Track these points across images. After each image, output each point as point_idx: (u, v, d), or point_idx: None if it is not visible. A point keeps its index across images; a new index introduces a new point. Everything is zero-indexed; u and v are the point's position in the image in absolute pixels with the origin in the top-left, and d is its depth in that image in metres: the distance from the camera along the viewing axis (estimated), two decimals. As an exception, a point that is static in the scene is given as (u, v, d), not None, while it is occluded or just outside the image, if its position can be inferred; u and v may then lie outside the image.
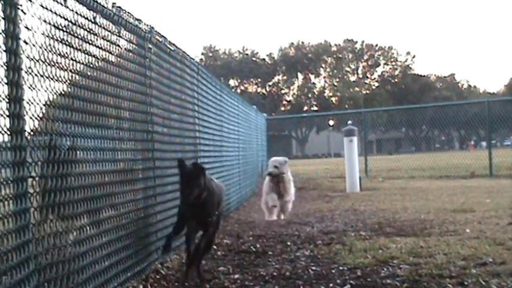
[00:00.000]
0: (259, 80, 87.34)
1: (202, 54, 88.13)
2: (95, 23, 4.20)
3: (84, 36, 3.99)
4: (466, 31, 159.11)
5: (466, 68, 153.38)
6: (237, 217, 9.56)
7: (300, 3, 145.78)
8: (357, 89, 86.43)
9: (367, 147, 21.96)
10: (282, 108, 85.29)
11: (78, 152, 3.81)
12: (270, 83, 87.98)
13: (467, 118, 24.45)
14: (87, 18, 4.05)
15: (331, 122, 41.31)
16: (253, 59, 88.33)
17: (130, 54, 5.03)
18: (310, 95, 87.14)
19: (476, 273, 4.73)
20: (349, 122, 15.83)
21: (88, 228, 3.84)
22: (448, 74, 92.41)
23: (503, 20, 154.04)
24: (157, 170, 5.55)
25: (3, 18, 2.98)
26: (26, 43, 3.16)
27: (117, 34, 4.68)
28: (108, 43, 4.48)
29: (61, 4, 3.63)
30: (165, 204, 5.77)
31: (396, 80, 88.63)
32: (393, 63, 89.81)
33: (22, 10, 3.14)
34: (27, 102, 3.13)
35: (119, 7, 4.67)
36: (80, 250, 3.68)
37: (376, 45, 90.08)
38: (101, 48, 4.32)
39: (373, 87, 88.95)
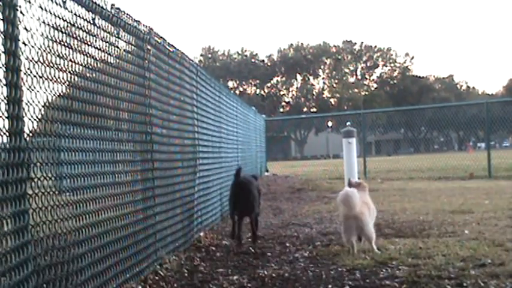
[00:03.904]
0: (258, 81, 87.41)
1: (201, 55, 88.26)
2: (94, 24, 4.20)
3: (83, 38, 4.00)
4: (464, 32, 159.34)
5: (464, 69, 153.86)
6: (236, 218, 9.53)
7: (299, 5, 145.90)
8: (355, 90, 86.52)
9: (366, 148, 21.96)
10: (281, 110, 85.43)
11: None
12: (269, 85, 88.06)
13: (466, 119, 24.48)
14: (86, 20, 4.05)
15: (330, 123, 41.33)
16: (252, 60, 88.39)
17: (129, 55, 5.03)
18: (309, 96, 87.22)
19: (475, 274, 4.74)
20: (348, 123, 15.79)
21: (87, 229, 3.84)
22: (447, 75, 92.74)
23: (502, 22, 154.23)
24: (157, 171, 5.55)
25: (2, 19, 2.98)
26: (25, 44, 3.16)
27: (116, 35, 4.68)
28: (107, 44, 4.48)
29: (60, 5, 3.63)
30: (165, 205, 5.77)
31: (395, 81, 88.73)
32: (392, 64, 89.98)
33: (21, 11, 3.14)
34: (26, 104, 3.13)
35: (118, 8, 4.67)
36: (78, 251, 3.68)
37: (375, 46, 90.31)
38: (99, 49, 4.32)
39: (372, 89, 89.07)
